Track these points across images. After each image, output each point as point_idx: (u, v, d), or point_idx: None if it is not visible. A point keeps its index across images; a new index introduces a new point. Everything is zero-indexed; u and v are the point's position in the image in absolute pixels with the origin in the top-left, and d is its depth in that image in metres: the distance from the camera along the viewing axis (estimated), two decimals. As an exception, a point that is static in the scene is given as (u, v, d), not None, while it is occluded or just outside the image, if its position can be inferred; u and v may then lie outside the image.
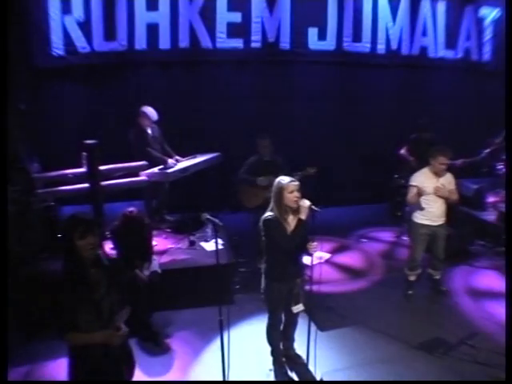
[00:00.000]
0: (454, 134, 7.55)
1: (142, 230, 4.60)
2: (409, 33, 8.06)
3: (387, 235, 7.42)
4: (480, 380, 4.02)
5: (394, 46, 8.05)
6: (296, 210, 3.72)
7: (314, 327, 4.57)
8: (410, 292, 5.44)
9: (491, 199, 7.24)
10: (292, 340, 4.25)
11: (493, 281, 5.83)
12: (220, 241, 5.84)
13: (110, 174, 5.19)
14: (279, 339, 4.15)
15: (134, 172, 5.55)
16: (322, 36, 7.73)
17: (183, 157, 6.41)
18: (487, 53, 8.56)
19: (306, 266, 3.90)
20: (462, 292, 5.58)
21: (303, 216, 3.61)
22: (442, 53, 8.30)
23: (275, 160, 5.85)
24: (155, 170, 5.85)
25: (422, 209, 5.09)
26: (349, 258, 6.53)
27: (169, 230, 6.35)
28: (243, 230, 6.26)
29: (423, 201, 5.05)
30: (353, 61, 8.02)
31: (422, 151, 6.70)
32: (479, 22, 8.38)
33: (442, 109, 8.25)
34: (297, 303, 3.91)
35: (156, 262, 4.79)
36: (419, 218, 5.16)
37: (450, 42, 8.29)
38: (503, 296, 5.36)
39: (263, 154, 5.84)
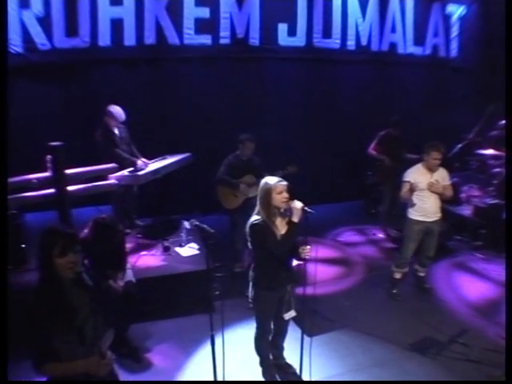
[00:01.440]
0: (423, 130, 7.54)
1: (116, 238, 4.22)
2: (378, 29, 8.02)
3: (363, 233, 7.31)
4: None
5: (363, 42, 7.99)
6: (284, 213, 3.48)
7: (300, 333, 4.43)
8: (395, 291, 5.31)
9: (465, 194, 7.25)
10: (282, 349, 4.01)
11: (474, 276, 5.80)
12: (195, 245, 5.61)
13: (76, 178, 4.79)
14: (269, 349, 3.89)
15: (103, 175, 5.17)
16: (291, 32, 7.57)
17: (152, 158, 6.05)
18: (454, 49, 8.61)
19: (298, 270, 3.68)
20: (445, 289, 5.50)
21: (296, 219, 3.36)
22: (411, 49, 8.31)
23: (253, 159, 5.69)
24: (125, 172, 5.49)
25: (415, 205, 5.00)
26: (327, 258, 6.35)
27: (139, 236, 5.99)
28: (217, 232, 5.99)
29: (417, 197, 4.96)
30: (323, 57, 7.90)
31: (390, 148, 6.64)
32: (446, 18, 8.43)
33: (411, 105, 8.22)
34: (288, 310, 3.68)
35: (130, 272, 4.40)
36: (413, 214, 5.07)
37: (419, 39, 8.31)
38: (487, 291, 5.40)
39: (243, 153, 5.63)
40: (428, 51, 8.43)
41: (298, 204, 3.36)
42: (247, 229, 3.48)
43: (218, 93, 7.39)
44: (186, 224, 5.78)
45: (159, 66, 7.11)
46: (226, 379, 3.58)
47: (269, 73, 7.74)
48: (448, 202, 6.55)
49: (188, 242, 5.64)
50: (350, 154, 7.96)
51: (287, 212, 3.48)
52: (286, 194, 3.40)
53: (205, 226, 3.13)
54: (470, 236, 6.55)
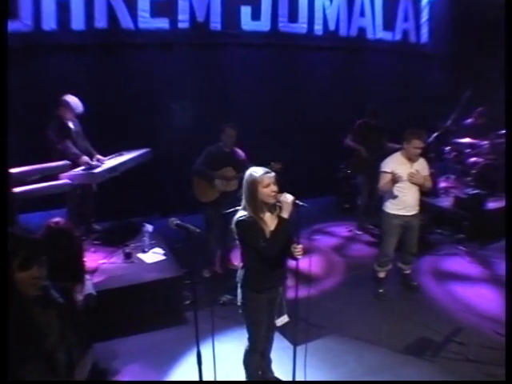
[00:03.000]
0: (396, 119, 7.51)
1: (72, 245, 3.90)
2: (346, 13, 7.99)
3: (339, 230, 7.21)
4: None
5: (331, 26, 7.94)
6: (273, 207, 3.27)
7: (286, 342, 4.22)
8: (381, 290, 5.20)
9: (442, 185, 7.29)
10: (270, 361, 3.78)
11: (460, 270, 5.81)
12: (159, 250, 5.33)
13: (23, 178, 4.38)
14: (259, 363, 3.65)
15: (54, 174, 4.78)
16: (255, 16, 7.40)
17: (106, 155, 5.76)
18: (425, 34, 8.71)
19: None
20: (433, 285, 5.46)
21: (286, 214, 3.16)
22: (381, 34, 8.34)
23: (236, 152, 5.49)
24: (79, 170, 5.14)
25: (394, 197, 4.86)
26: (303, 258, 6.18)
27: (97, 242, 5.64)
28: (181, 236, 5.75)
29: (396, 189, 4.81)
30: (289, 42, 7.80)
31: (369, 139, 6.57)
32: (416, 2, 8.51)
33: (382, 92, 8.20)
34: (280, 315, 3.47)
35: (90, 283, 4.12)
36: (391, 207, 4.93)
37: (388, 23, 8.34)
38: (476, 285, 5.42)
39: (226, 143, 5.42)
40: (398, 36, 8.49)
41: (288, 197, 3.15)
42: (233, 225, 3.22)
43: (177, 82, 7.09)
44: (149, 227, 5.51)
45: (112, 52, 6.73)
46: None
47: (231, 60, 7.51)
48: (425, 194, 6.59)
49: (151, 246, 5.35)
50: (320, 145, 7.87)
51: (277, 206, 3.26)
52: (273, 187, 3.18)
53: (188, 225, 2.86)
54: (451, 229, 6.56)
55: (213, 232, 5.53)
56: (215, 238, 5.56)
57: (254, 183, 3.17)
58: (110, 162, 5.52)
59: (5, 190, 3.45)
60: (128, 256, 5.14)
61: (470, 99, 7.00)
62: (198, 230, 2.84)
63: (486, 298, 5.11)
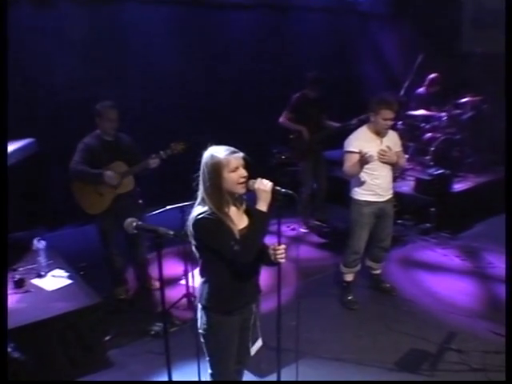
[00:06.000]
0: (333, 90, 7.61)
1: None
2: (268, -38, 7.97)
3: (279, 230, 7.08)
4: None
5: (251, -21, 7.89)
6: (239, 199, 3.01)
7: (249, 375, 4.03)
8: (350, 297, 5.19)
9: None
10: (241, 399, 3.53)
11: (434, 265, 5.97)
12: (61, 272, 4.94)
13: None
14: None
15: None
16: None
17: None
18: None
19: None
20: (408, 285, 5.53)
21: (264, 206, 2.88)
22: (311, -11, 8.42)
23: (121, 139, 5.16)
24: None
25: (363, 182, 4.82)
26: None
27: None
28: (83, 251, 5.81)
29: (364, 171, 4.75)
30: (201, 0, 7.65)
31: (308, 115, 6.52)
32: None
33: (314, 59, 8.32)
34: (254, 339, 3.24)
35: None
36: (361, 194, 4.90)
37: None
38: (455, 280, 5.58)
39: (105, 130, 5.03)
40: (332, -9, 8.63)
41: (264, 184, 2.89)
42: (190, 227, 2.89)
43: (62, 47, 6.66)
44: (42, 243, 5.04)
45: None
46: None
47: (131, 20, 7.20)
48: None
49: (50, 268, 4.94)
50: (246, 126, 7.78)
51: (242, 198, 3.03)
52: (243, 171, 2.90)
53: (155, 226, 2.51)
54: (415, 218, 6.71)
55: (113, 247, 5.25)
56: (119, 253, 5.30)
57: (216, 167, 2.86)
58: (-16, 158, 5.00)
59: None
60: (19, 284, 4.71)
61: (424, 65, 7.21)
62: (171, 232, 2.50)
63: (470, 295, 5.27)
